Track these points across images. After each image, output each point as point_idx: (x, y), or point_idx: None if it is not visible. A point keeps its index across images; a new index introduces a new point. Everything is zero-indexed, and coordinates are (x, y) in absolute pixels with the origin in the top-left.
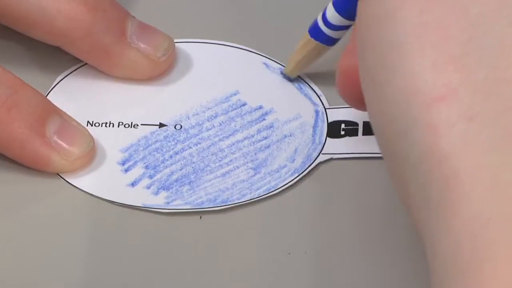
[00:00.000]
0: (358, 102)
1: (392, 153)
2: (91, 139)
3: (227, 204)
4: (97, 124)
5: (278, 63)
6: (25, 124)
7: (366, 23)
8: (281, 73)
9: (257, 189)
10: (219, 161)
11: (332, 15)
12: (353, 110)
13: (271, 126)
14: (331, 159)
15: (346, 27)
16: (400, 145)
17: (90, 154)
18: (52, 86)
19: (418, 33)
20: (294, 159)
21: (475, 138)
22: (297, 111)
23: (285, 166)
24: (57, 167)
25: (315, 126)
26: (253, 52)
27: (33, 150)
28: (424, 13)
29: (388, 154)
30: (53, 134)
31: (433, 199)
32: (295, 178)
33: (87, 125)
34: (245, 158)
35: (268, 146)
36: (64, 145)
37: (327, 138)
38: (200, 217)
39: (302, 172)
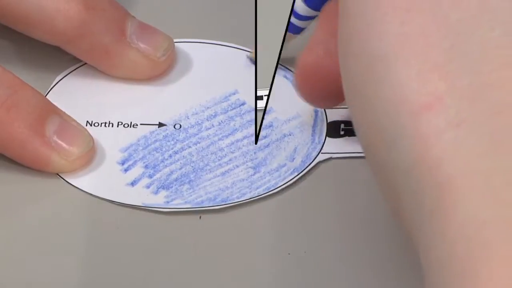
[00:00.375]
0: (315, 98)
1: (381, 162)
2: (91, 139)
3: (226, 203)
4: (96, 124)
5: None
6: (24, 124)
7: (348, 37)
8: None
9: (257, 188)
10: (219, 160)
11: (299, 5)
12: None
13: (270, 125)
14: (331, 158)
15: (313, 17)
16: (389, 154)
17: (90, 154)
18: (52, 86)
19: (401, 43)
20: (294, 158)
21: (465, 144)
22: (296, 111)
23: (284, 165)
24: (57, 167)
25: (314, 126)
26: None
27: (33, 150)
28: (405, 24)
29: (376, 163)
30: (53, 134)
31: (426, 205)
32: (294, 177)
33: (86, 125)
34: (245, 157)
35: (268, 145)
36: (64, 145)
37: (327, 137)
38: (200, 217)
39: (302, 171)
